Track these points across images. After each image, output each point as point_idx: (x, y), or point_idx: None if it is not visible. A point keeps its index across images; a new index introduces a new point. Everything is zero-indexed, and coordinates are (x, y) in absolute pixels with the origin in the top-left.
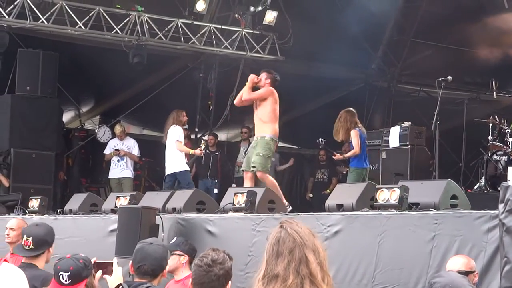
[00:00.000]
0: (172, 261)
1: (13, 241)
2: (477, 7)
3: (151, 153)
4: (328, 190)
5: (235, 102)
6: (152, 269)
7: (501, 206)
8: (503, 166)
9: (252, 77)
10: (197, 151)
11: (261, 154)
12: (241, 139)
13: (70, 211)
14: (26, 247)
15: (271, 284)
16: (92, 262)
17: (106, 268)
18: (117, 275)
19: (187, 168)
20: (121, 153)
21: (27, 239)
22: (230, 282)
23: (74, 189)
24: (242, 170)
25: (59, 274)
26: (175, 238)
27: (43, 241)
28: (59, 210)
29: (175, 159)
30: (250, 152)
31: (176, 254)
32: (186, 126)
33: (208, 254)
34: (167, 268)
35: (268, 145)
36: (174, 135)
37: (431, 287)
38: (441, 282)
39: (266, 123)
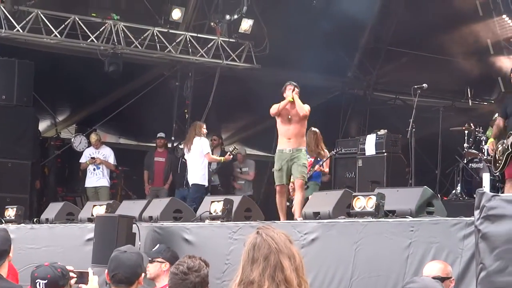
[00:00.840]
0: (154, 268)
1: None
2: (453, 15)
3: (128, 162)
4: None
5: (271, 112)
6: (126, 277)
7: (476, 212)
8: (479, 173)
9: (296, 92)
10: (227, 157)
11: (306, 165)
12: (213, 148)
13: (47, 220)
14: None
15: None
16: None
17: (82, 277)
18: (93, 284)
19: (206, 184)
20: (97, 161)
21: None
22: None
23: (51, 198)
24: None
25: (36, 281)
26: (157, 245)
27: (2, 251)
28: (35, 219)
29: (200, 171)
30: (284, 164)
31: (158, 261)
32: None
33: (184, 261)
34: (148, 275)
35: (306, 156)
36: (203, 147)
37: None
38: None
39: (302, 137)
